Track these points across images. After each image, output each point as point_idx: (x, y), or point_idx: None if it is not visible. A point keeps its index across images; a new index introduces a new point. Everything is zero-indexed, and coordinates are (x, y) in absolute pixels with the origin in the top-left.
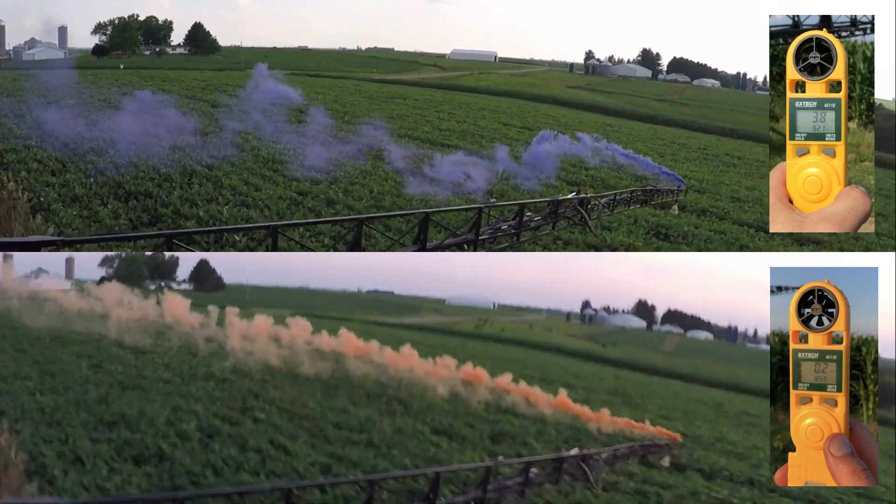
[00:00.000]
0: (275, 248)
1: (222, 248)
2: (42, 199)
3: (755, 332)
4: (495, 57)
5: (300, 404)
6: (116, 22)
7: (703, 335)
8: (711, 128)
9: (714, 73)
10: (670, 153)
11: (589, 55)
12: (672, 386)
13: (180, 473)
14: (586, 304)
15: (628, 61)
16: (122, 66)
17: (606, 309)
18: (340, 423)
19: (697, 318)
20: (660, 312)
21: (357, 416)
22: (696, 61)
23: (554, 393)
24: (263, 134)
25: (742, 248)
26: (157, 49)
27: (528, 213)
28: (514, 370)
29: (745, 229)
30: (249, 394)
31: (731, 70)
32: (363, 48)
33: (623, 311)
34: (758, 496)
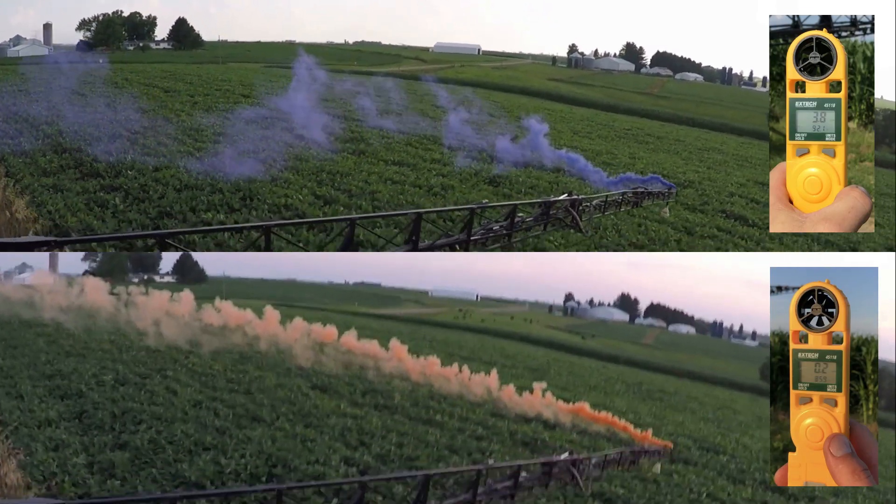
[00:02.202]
0: (268, 248)
1: (218, 247)
2: None
3: (741, 328)
4: (479, 50)
5: (208, 367)
6: (101, 18)
7: (686, 329)
8: (669, 115)
9: (698, 68)
10: (580, 128)
11: (572, 48)
12: (607, 369)
13: (88, 403)
14: (569, 297)
15: (614, 55)
16: (101, 61)
17: (589, 302)
18: (233, 379)
19: (681, 312)
20: (643, 306)
21: (251, 375)
22: (679, 55)
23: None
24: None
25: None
26: (141, 44)
27: (521, 215)
28: (448, 350)
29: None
30: (171, 360)
31: (717, 65)
32: (350, 42)
33: (606, 304)
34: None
